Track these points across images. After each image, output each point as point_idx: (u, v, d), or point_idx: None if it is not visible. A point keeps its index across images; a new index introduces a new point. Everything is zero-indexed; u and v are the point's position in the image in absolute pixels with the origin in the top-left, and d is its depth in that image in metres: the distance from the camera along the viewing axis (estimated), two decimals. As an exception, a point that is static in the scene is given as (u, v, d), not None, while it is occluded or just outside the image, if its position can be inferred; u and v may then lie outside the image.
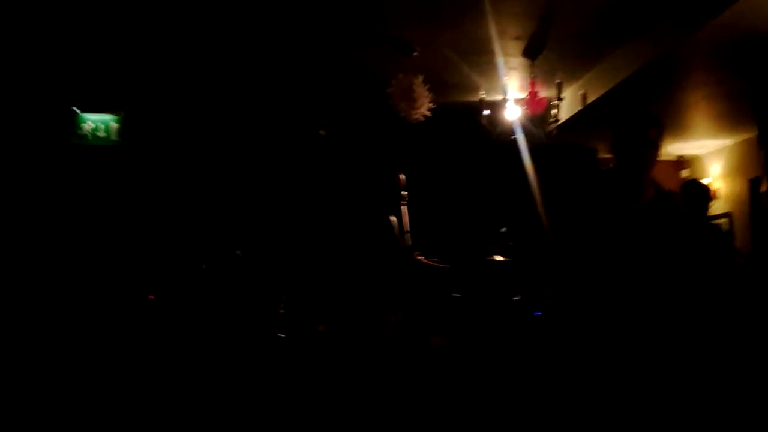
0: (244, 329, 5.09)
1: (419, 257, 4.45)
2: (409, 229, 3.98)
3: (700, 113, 6.24)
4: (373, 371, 4.00)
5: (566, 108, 5.99)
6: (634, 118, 2.83)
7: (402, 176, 4.29)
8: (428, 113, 5.35)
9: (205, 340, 4.96)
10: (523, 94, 5.43)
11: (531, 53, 5.19)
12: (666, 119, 6.62)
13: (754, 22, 4.01)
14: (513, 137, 5.82)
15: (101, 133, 6.49)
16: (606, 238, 2.73)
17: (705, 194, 4.66)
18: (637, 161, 2.77)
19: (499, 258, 5.37)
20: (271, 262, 5.89)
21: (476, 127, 5.68)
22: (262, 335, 5.04)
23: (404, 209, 4.11)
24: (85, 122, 6.51)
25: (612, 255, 2.74)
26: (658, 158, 2.84)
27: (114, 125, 6.55)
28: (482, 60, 5.41)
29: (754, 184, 6.70)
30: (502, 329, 4.92)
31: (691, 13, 4.20)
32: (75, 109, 6.31)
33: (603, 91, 5.47)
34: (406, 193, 4.13)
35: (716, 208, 7.36)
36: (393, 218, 4.15)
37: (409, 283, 4.02)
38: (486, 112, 5.50)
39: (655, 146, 2.79)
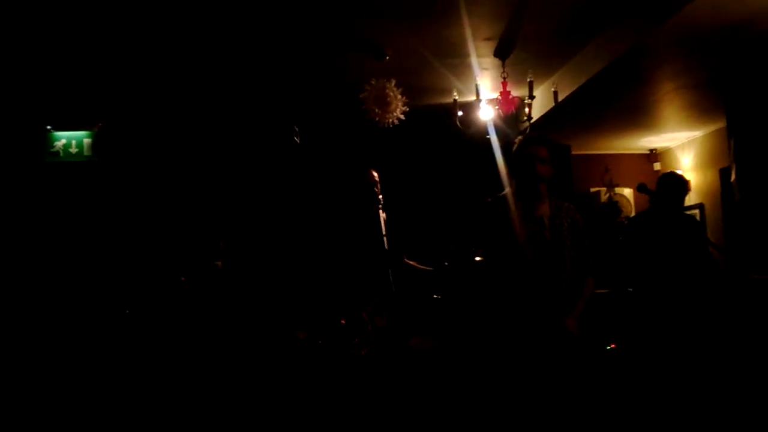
0: (226, 339, 5.05)
1: (409, 261, 4.48)
2: (385, 233, 3.99)
3: (670, 106, 6.33)
4: (356, 375, 4.00)
5: (538, 106, 6.04)
6: (528, 141, 3.29)
7: (374, 172, 4.30)
8: (402, 116, 5.38)
9: (186, 352, 4.92)
10: (496, 94, 5.48)
11: (502, 54, 5.24)
12: (637, 113, 6.79)
13: (719, 13, 4.08)
14: (487, 137, 5.86)
15: (73, 150, 6.44)
16: (519, 245, 3.13)
17: (682, 186, 4.73)
18: (534, 176, 3.18)
19: (479, 259, 5.40)
20: (251, 271, 5.87)
21: (450, 128, 5.71)
22: (244, 345, 5.01)
23: (380, 213, 4.11)
24: (57, 140, 6.46)
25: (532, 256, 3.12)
26: (551, 173, 3.24)
27: (87, 141, 6.51)
28: (454, 62, 5.45)
29: (724, 174, 6.81)
30: (484, 330, 4.94)
31: (656, 7, 4.27)
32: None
33: (574, 88, 5.54)
34: (381, 196, 4.14)
35: (688, 199, 7.47)
36: (383, 215, 4.16)
37: (393, 286, 4.02)
38: (460, 113, 5.54)
39: (547, 162, 3.21)
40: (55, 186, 6.38)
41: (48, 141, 6.42)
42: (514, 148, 3.32)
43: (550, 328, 3.06)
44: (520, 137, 3.36)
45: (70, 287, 5.84)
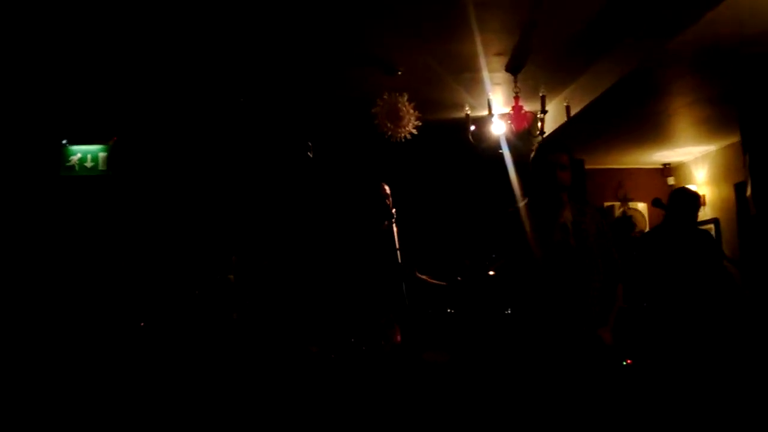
0: (239, 353, 5.06)
1: (421, 276, 4.47)
2: (399, 246, 3.99)
3: (683, 120, 6.31)
4: (370, 389, 3.99)
5: (551, 121, 6.04)
6: (548, 147, 3.32)
7: (386, 186, 4.30)
8: (414, 131, 5.40)
9: (200, 365, 4.93)
10: (508, 109, 5.49)
11: (513, 69, 5.25)
12: (650, 127, 6.76)
13: (731, 28, 4.08)
14: (500, 152, 5.86)
15: (89, 164, 6.51)
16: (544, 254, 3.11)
17: (694, 201, 4.70)
18: (555, 183, 3.16)
19: (492, 273, 5.39)
20: (264, 284, 5.88)
21: (463, 143, 5.73)
22: (257, 358, 5.01)
23: (393, 227, 4.11)
24: (73, 154, 6.53)
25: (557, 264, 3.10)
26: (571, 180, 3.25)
27: (102, 155, 6.57)
28: (466, 77, 5.47)
29: (739, 189, 6.76)
30: (497, 343, 4.92)
31: (667, 22, 4.27)
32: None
33: (586, 103, 5.53)
34: (394, 210, 4.14)
35: (703, 214, 7.42)
36: (396, 228, 4.16)
37: (407, 300, 4.01)
38: (472, 128, 5.55)
39: (568, 169, 3.18)
40: (70, 200, 6.44)
41: (63, 155, 6.49)
42: (533, 155, 3.29)
43: (582, 341, 3.00)
44: (538, 144, 3.34)
45: (85, 300, 5.88)
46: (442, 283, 4.70)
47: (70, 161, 6.51)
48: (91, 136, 6.55)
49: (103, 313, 5.71)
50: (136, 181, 6.63)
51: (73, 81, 5.42)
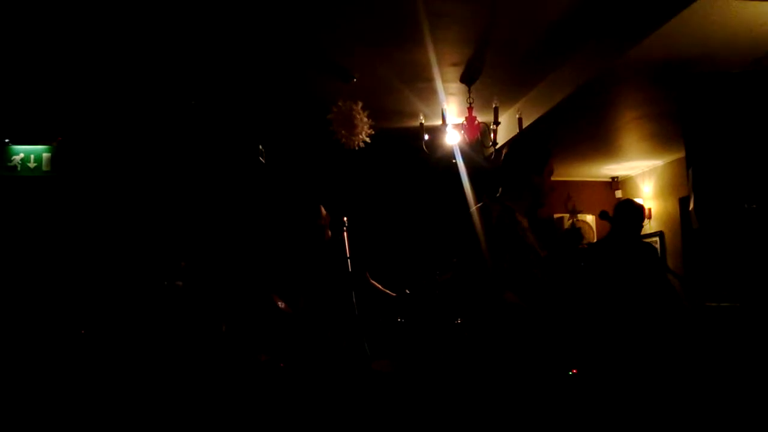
0: (186, 360, 4.95)
1: (373, 282, 4.45)
2: (349, 255, 3.97)
3: (631, 135, 6.46)
4: (319, 399, 3.95)
5: (503, 132, 6.12)
6: (546, 152, 3.16)
7: (323, 209, 4.31)
8: (368, 139, 5.40)
9: (144, 373, 4.80)
10: (462, 119, 5.53)
11: (468, 79, 5.30)
12: (599, 141, 6.89)
13: (674, 49, 4.22)
14: (453, 161, 5.90)
15: (32, 164, 6.32)
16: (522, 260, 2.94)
17: (638, 213, 4.81)
18: (539, 192, 3.10)
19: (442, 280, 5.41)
20: (213, 291, 5.78)
21: (417, 151, 5.74)
22: (205, 366, 4.91)
23: (344, 235, 4.10)
24: (15, 153, 6.33)
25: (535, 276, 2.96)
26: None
27: (46, 156, 6.39)
28: (421, 86, 5.50)
29: (683, 203, 6.95)
30: (446, 352, 4.93)
31: (616, 39, 4.38)
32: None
33: (538, 115, 5.62)
34: (345, 218, 4.13)
35: (649, 227, 7.61)
36: (346, 237, 4.15)
37: (356, 309, 3.99)
38: (426, 137, 5.58)
39: (551, 174, 3.14)
40: (11, 201, 6.23)
41: (5, 154, 6.29)
42: (528, 155, 3.16)
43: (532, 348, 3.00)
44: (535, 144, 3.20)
45: (23, 306, 5.67)
46: (392, 293, 4.69)
47: (12, 161, 6.32)
48: (34, 136, 6.36)
49: (42, 320, 5.52)
50: (81, 183, 6.45)
51: (16, 79, 5.24)
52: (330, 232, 4.27)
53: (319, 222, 4.23)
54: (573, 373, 4.46)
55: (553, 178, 3.29)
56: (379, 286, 4.56)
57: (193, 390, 4.67)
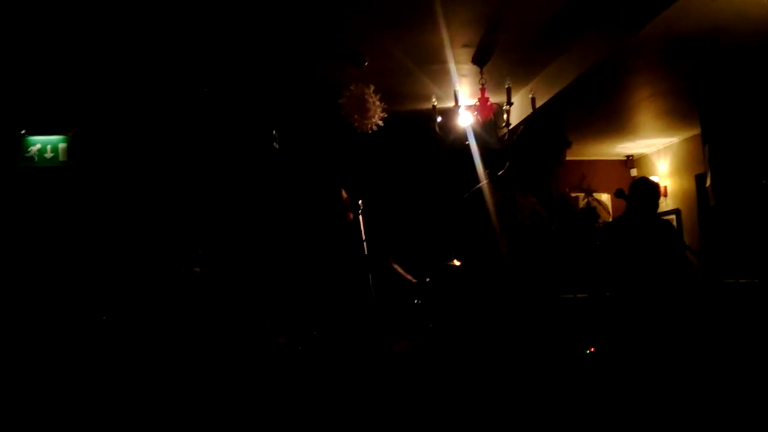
0: (205, 346, 5.01)
1: (395, 266, 4.47)
2: (365, 238, 3.99)
3: (646, 112, 6.41)
4: (341, 381, 3.99)
5: (516, 113, 6.09)
6: (562, 133, 3.13)
7: (344, 192, 4.33)
8: (380, 123, 5.39)
9: (164, 359, 4.87)
10: (474, 101, 5.51)
11: (480, 60, 5.27)
12: (614, 119, 6.85)
13: (691, 22, 4.15)
14: (466, 143, 5.89)
15: (48, 155, 6.37)
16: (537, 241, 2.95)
17: (654, 191, 4.78)
18: (552, 176, 3.08)
19: (457, 263, 5.43)
20: (231, 277, 5.83)
21: (430, 134, 5.73)
22: (224, 351, 4.97)
23: (360, 218, 4.12)
24: (32, 144, 6.39)
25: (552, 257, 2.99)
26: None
27: (62, 146, 6.44)
28: (433, 68, 5.48)
29: (700, 180, 6.90)
30: (465, 334, 4.95)
31: (631, 15, 4.33)
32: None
33: (551, 95, 5.59)
34: (360, 201, 4.15)
35: (665, 205, 7.57)
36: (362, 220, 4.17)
37: (373, 291, 4.02)
38: (439, 119, 5.56)
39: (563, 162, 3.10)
40: (29, 191, 6.30)
41: (22, 146, 6.35)
42: (544, 134, 3.15)
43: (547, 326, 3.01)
44: (553, 125, 3.19)
45: (43, 294, 5.75)
46: (412, 279, 4.71)
47: (29, 152, 6.37)
48: (50, 127, 6.41)
49: (63, 307, 5.60)
50: (97, 172, 6.51)
51: (32, 71, 5.28)
52: (351, 215, 4.28)
53: (341, 204, 4.25)
54: (591, 351, 4.48)
55: (567, 158, 3.26)
56: (401, 270, 4.58)
57: (211, 374, 4.73)
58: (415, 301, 5.17)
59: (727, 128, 4.36)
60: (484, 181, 3.14)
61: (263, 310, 5.05)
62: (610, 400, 4.11)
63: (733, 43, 4.33)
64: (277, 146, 5.87)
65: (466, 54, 5.20)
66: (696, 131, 6.75)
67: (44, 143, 6.41)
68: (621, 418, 3.96)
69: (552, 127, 3.13)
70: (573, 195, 8.13)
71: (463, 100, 5.62)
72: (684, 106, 5.98)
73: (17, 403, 4.36)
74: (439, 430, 3.97)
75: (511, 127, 5.46)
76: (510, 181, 3.04)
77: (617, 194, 4.71)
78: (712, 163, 4.20)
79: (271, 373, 4.47)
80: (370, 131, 5.44)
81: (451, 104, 5.54)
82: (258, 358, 4.68)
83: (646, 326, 4.27)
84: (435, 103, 5.55)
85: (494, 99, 5.56)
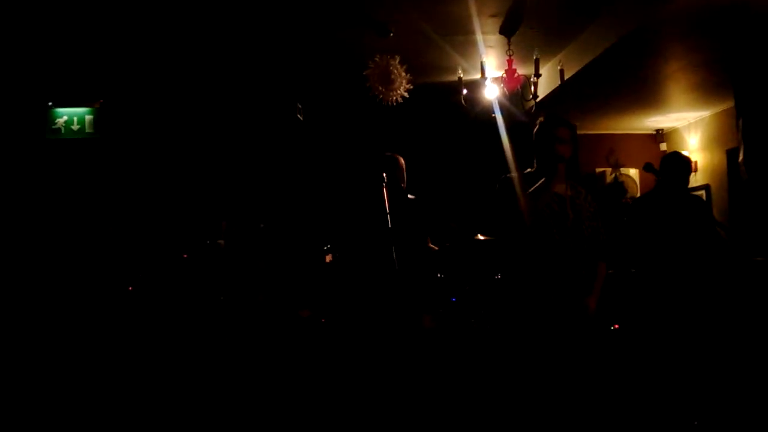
0: (229, 317, 5.06)
1: (432, 246, 4.47)
2: (389, 211, 3.96)
3: (677, 85, 6.26)
4: (367, 355, 4.00)
5: (544, 85, 5.98)
6: (549, 121, 3.20)
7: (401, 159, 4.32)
8: (406, 94, 5.34)
9: (190, 330, 4.93)
10: (501, 72, 5.42)
11: (507, 31, 5.17)
12: (643, 92, 6.69)
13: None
14: (492, 116, 5.81)
15: (75, 127, 6.43)
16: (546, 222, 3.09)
17: (685, 166, 4.67)
18: (553, 156, 3.10)
19: (481, 237, 5.40)
20: (254, 250, 5.86)
21: (455, 106, 5.67)
22: (248, 322, 5.02)
23: (384, 191, 4.08)
24: (59, 116, 6.45)
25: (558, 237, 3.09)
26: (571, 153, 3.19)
27: (89, 118, 6.49)
28: (459, 39, 5.39)
29: (731, 155, 6.75)
30: (487, 308, 4.94)
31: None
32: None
33: (580, 66, 5.47)
34: (385, 174, 4.11)
35: (695, 180, 7.42)
36: (411, 197, 4.18)
37: (396, 264, 4.00)
38: (464, 92, 5.49)
39: (568, 143, 3.15)
40: (56, 163, 6.37)
41: (49, 118, 6.42)
42: (536, 129, 3.25)
43: (571, 307, 3.02)
44: (541, 118, 3.26)
45: (71, 264, 5.84)
46: (434, 247, 4.70)
47: (56, 124, 6.44)
48: (77, 99, 6.45)
49: (91, 277, 5.68)
50: (124, 144, 6.56)
51: (59, 43, 5.30)
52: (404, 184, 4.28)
53: (399, 173, 4.24)
54: (615, 328, 4.44)
55: (595, 132, 3.26)
56: (432, 246, 4.56)
57: (236, 345, 4.78)
58: (438, 275, 5.16)
59: (762, 101, 4.24)
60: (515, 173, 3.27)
61: (285, 283, 5.08)
62: (633, 377, 4.08)
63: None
64: (301, 118, 5.85)
65: (493, 24, 5.10)
66: (728, 105, 6.58)
67: (71, 115, 6.46)
68: (643, 394, 3.93)
69: (541, 129, 3.21)
70: (600, 170, 8.03)
71: (489, 72, 5.53)
72: (717, 79, 5.83)
73: (46, 370, 4.45)
74: (466, 409, 3.98)
75: (538, 99, 5.36)
76: (530, 177, 3.20)
77: (646, 168, 4.60)
78: (745, 136, 4.11)
79: (294, 346, 4.50)
80: (395, 103, 5.39)
81: (478, 76, 5.45)
82: (281, 331, 4.72)
83: (673, 304, 4.21)
84: (461, 75, 5.47)
85: (521, 71, 5.47)
